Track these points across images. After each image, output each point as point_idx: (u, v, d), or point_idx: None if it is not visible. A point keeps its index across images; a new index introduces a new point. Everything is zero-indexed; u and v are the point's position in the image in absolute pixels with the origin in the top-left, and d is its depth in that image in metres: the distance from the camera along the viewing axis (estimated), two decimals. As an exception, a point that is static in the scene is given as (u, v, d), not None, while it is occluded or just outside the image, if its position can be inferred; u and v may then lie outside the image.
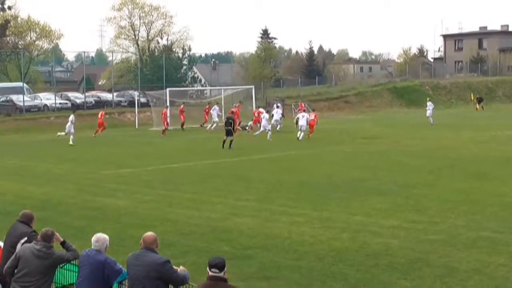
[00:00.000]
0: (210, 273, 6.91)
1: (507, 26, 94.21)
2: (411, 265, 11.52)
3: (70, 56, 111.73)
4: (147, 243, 7.64)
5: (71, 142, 34.14)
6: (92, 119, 48.61)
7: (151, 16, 73.92)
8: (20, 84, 54.83)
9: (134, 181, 21.72)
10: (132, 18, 73.64)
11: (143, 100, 53.71)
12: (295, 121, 37.86)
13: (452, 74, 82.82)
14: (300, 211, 16.15)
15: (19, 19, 68.21)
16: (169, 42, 74.28)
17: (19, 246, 8.52)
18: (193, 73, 70.00)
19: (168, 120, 41.79)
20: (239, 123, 40.15)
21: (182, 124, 43.57)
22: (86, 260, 7.87)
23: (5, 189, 20.65)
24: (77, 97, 57.16)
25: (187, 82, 66.25)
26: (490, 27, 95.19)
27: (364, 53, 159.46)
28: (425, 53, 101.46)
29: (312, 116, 36.75)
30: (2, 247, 9.28)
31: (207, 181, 21.38)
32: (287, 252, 12.52)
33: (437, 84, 72.57)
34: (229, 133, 31.29)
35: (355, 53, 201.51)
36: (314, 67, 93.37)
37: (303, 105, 47.39)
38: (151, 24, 74.02)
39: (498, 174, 21.61)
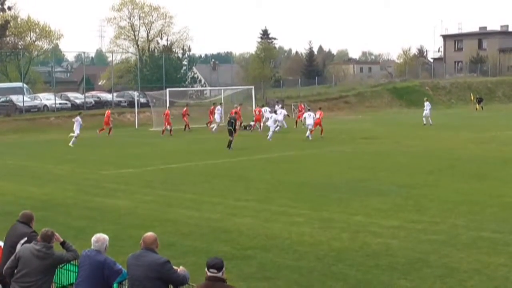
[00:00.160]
0: (209, 274, 6.91)
1: (507, 26, 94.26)
2: (411, 265, 11.52)
3: (70, 56, 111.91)
4: (147, 244, 7.64)
5: (71, 144, 34.09)
6: (92, 120, 48.63)
7: (151, 17, 74.00)
8: (20, 84, 54.83)
9: (134, 182, 21.73)
10: (132, 18, 73.74)
11: (143, 100, 53.73)
12: (302, 120, 37.68)
13: (452, 74, 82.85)
14: (300, 212, 16.16)
15: (19, 19, 68.24)
16: (169, 42, 74.38)
17: (19, 246, 8.52)
18: (193, 73, 70.01)
19: (170, 121, 41.58)
20: (240, 123, 40.17)
21: (185, 127, 43.41)
22: (86, 260, 7.87)
23: (5, 189, 20.65)
24: (77, 97, 57.17)
25: (187, 82, 66.25)
26: (490, 28, 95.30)
27: (364, 54, 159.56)
28: (425, 54, 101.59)
29: (318, 114, 36.81)
30: (2, 247, 9.28)
31: (207, 181, 21.39)
32: (287, 253, 12.52)
33: (437, 85, 72.59)
34: (230, 133, 31.39)
35: (355, 54, 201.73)
36: (314, 68, 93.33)
37: (302, 106, 47.43)
38: (151, 25, 74.10)
39: (498, 175, 21.61)
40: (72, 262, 8.51)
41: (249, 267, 11.61)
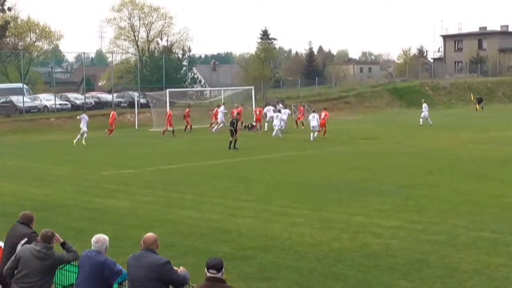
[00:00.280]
0: (208, 274, 6.91)
1: (507, 26, 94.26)
2: (411, 265, 11.53)
3: (70, 57, 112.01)
4: (148, 244, 7.64)
5: (76, 140, 34.07)
6: (92, 120, 48.51)
7: (151, 17, 73.98)
8: (20, 85, 54.83)
9: (134, 182, 21.73)
10: (132, 19, 73.74)
11: (143, 101, 53.74)
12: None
13: (452, 74, 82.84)
14: (300, 212, 16.16)
15: (19, 20, 68.25)
16: (169, 43, 74.37)
17: (19, 247, 8.52)
18: (193, 74, 70.00)
19: (172, 122, 41.49)
20: (241, 123, 40.14)
21: (186, 127, 43.35)
22: (86, 261, 7.87)
23: (5, 190, 20.66)
24: (77, 98, 57.19)
25: (186, 83, 66.24)
26: (490, 28, 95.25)
27: (364, 54, 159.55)
28: (425, 54, 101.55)
29: (323, 115, 36.81)
30: (2, 247, 9.28)
31: (207, 182, 21.39)
32: (287, 253, 12.52)
33: (437, 85, 72.58)
34: (231, 133, 31.45)
35: (355, 54, 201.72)
36: (314, 68, 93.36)
37: (301, 108, 47.35)
38: (151, 25, 74.08)
39: (498, 175, 21.61)
40: (72, 263, 8.51)
41: (249, 267, 11.61)
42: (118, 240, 12.63)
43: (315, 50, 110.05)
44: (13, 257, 8.31)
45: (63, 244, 8.44)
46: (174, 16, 77.04)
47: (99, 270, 7.74)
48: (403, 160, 26.08)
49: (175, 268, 7.60)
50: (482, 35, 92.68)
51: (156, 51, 72.06)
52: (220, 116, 43.68)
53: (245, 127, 42.24)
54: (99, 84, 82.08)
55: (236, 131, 31.59)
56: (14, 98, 51.83)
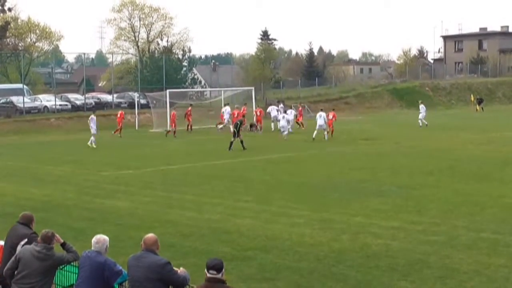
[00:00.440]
0: (208, 275, 6.91)
1: (507, 27, 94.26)
2: (411, 266, 11.53)
3: (70, 57, 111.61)
4: (148, 245, 7.64)
5: (89, 143, 33.93)
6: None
7: (151, 18, 73.99)
8: (20, 85, 54.83)
9: (134, 183, 21.73)
10: (132, 19, 73.75)
11: (143, 101, 53.73)
12: (316, 119, 37.34)
13: (452, 75, 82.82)
14: (300, 212, 16.16)
15: (19, 20, 68.30)
16: (169, 43, 74.35)
17: (19, 247, 8.52)
18: (193, 74, 69.98)
19: (176, 122, 41.44)
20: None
21: (188, 127, 43.33)
22: (86, 261, 7.87)
23: (5, 190, 20.67)
24: (77, 98, 57.17)
25: (187, 83, 66.23)
26: (490, 28, 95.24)
27: (364, 54, 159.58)
28: (425, 54, 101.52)
29: (331, 116, 36.85)
30: (2, 245, 9.28)
31: (207, 182, 21.39)
32: (287, 253, 12.52)
33: (437, 85, 72.57)
34: (234, 134, 31.52)
35: (355, 54, 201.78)
36: (314, 68, 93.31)
37: (300, 108, 47.30)
38: (151, 26, 74.09)
39: (498, 175, 21.61)
40: (72, 263, 8.51)
41: (249, 268, 11.61)
42: (118, 241, 12.63)
43: (315, 51, 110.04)
44: (13, 258, 8.31)
45: (63, 245, 8.44)
46: (174, 17, 77.36)
47: (99, 270, 7.74)
48: (403, 160, 26.09)
49: (175, 268, 7.60)
50: (483, 35, 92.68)
51: (156, 51, 72.07)
52: (226, 116, 43.64)
53: (250, 125, 42.16)
54: (99, 84, 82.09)
55: (239, 132, 31.60)
56: (14, 99, 51.83)
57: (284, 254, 12.51)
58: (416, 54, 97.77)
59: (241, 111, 40.97)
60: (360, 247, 12.82)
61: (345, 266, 11.62)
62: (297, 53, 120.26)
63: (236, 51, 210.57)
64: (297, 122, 44.13)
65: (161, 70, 61.54)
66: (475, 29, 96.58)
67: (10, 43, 67.35)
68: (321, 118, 35.76)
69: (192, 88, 66.60)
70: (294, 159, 27.56)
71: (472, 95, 66.48)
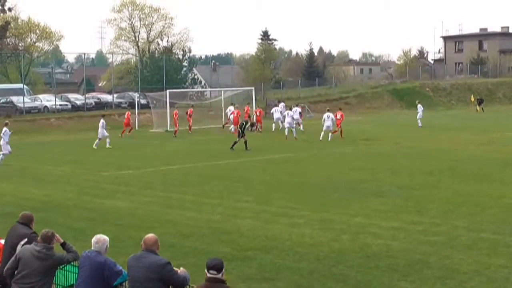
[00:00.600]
0: (208, 275, 6.91)
1: (507, 27, 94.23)
2: (411, 266, 11.52)
3: (70, 57, 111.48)
4: (148, 245, 7.64)
5: (108, 145, 33.69)
6: (92, 121, 48.58)
7: (151, 18, 73.99)
8: (20, 85, 54.83)
9: (134, 183, 21.73)
10: (132, 19, 73.74)
11: (143, 101, 53.72)
12: (322, 120, 37.19)
13: (452, 75, 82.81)
14: (300, 213, 16.16)
15: (19, 20, 68.28)
16: (169, 43, 74.34)
17: (19, 247, 8.52)
18: (193, 74, 69.97)
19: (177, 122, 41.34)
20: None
21: (189, 128, 43.29)
22: (86, 261, 7.87)
23: (5, 190, 20.67)
24: (77, 98, 57.17)
25: (187, 83, 66.23)
26: (490, 29, 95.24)
27: (364, 55, 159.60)
28: (425, 55, 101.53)
29: (339, 116, 36.86)
30: (3, 244, 9.27)
31: (207, 182, 21.38)
32: (287, 254, 12.52)
33: (437, 86, 72.56)
34: (238, 134, 31.60)
35: (355, 55, 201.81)
36: (314, 69, 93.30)
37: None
38: (151, 26, 74.10)
39: (498, 176, 21.61)
40: (72, 263, 8.50)
41: (249, 268, 11.61)
42: (118, 241, 12.63)
43: (316, 51, 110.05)
44: (13, 258, 8.31)
45: (63, 245, 8.44)
46: (174, 17, 77.41)
47: (99, 270, 7.74)
48: (403, 161, 26.08)
49: (175, 268, 7.59)
50: (483, 36, 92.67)
51: (156, 51, 72.07)
52: (231, 116, 43.60)
53: (251, 125, 42.11)
54: (100, 84, 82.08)
55: (244, 133, 31.62)
56: (14, 99, 51.83)
57: (284, 254, 12.51)
58: (416, 55, 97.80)
59: (245, 111, 40.98)
60: (360, 247, 12.82)
61: (345, 267, 11.62)
62: (297, 53, 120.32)
63: (236, 51, 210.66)
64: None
65: (161, 70, 61.53)
66: (476, 30, 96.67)
67: (10, 43, 67.35)
68: (329, 119, 35.75)
69: (192, 88, 66.59)
70: (294, 159, 27.55)
71: (472, 96, 66.46)
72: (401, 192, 18.84)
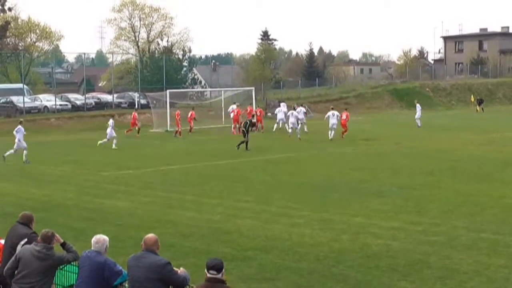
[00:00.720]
0: (208, 275, 6.91)
1: (508, 27, 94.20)
2: (411, 266, 11.52)
3: (70, 57, 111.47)
4: (148, 245, 7.64)
5: (114, 146, 33.59)
6: (92, 121, 48.69)
7: (151, 18, 73.99)
8: (20, 85, 54.82)
9: (134, 183, 21.73)
10: (132, 19, 73.75)
11: (143, 101, 53.73)
12: (326, 118, 37.21)
13: (452, 75, 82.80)
14: (300, 213, 16.16)
15: (19, 20, 68.26)
16: (169, 43, 74.34)
17: (19, 247, 8.51)
18: (193, 74, 69.97)
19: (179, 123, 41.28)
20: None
21: (189, 129, 43.23)
22: (86, 261, 7.87)
23: (6, 190, 20.67)
24: (77, 98, 57.16)
25: (187, 83, 66.22)
26: (491, 29, 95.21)
27: (364, 55, 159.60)
28: (425, 55, 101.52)
29: (344, 116, 36.92)
30: (3, 244, 9.27)
31: (207, 182, 21.38)
32: (287, 254, 12.52)
33: (437, 86, 72.55)
34: (243, 134, 31.60)
35: (355, 55, 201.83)
36: (314, 69, 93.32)
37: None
38: (151, 26, 74.09)
39: (499, 176, 21.61)
40: (72, 263, 8.50)
41: (249, 268, 11.61)
42: (118, 241, 12.64)
43: (316, 51, 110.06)
44: (13, 258, 8.31)
45: (63, 245, 8.43)
46: (174, 17, 77.40)
47: (99, 270, 7.74)
48: (403, 161, 26.08)
49: (176, 269, 7.59)
50: (483, 36, 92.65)
51: (156, 51, 72.06)
52: (231, 115, 43.56)
53: (252, 124, 42.07)
54: (100, 84, 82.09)
55: (248, 132, 31.64)
56: (14, 99, 51.81)
57: (284, 254, 12.51)
58: (417, 55, 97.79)
59: (248, 111, 40.96)
60: (360, 247, 12.82)
61: (345, 267, 11.62)
62: (297, 54, 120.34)
63: (236, 51, 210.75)
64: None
65: (161, 70, 61.52)
66: (476, 30, 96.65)
67: (10, 43, 67.34)
68: (334, 116, 35.84)
69: (192, 88, 66.59)
70: (294, 159, 27.55)
71: (472, 96, 66.46)
72: (401, 192, 18.85)
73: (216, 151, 31.21)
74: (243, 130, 31.97)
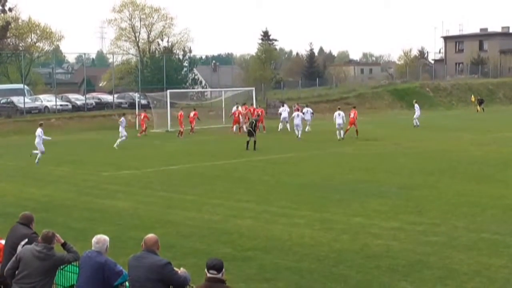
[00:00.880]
0: (208, 275, 6.92)
1: (508, 27, 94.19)
2: (411, 267, 11.53)
3: (71, 57, 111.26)
4: (148, 245, 7.64)
5: (115, 146, 33.50)
6: (92, 121, 48.70)
7: (152, 18, 74.01)
8: (20, 85, 54.85)
9: (135, 183, 21.74)
10: (132, 20, 73.75)
11: (143, 101, 53.69)
12: (333, 118, 37.22)
13: (453, 75, 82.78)
14: (300, 213, 16.16)
15: (20, 20, 68.34)
16: (170, 44, 74.31)
17: (19, 247, 8.52)
18: (193, 74, 69.95)
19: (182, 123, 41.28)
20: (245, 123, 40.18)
21: (192, 129, 43.24)
22: (86, 261, 7.87)
23: (6, 190, 20.67)
24: (77, 98, 57.18)
25: (187, 84, 66.24)
26: (491, 29, 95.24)
27: (364, 55, 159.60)
28: (426, 55, 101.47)
29: (352, 114, 36.99)
30: (3, 244, 9.27)
31: (208, 183, 21.39)
32: (287, 254, 12.53)
33: (437, 86, 72.53)
34: (249, 134, 31.53)
35: (355, 55, 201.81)
36: (315, 69, 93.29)
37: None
38: (152, 26, 74.11)
39: (499, 176, 21.61)
40: (73, 264, 8.51)
41: (249, 268, 11.62)
42: (118, 241, 12.64)
43: (316, 51, 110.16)
44: (13, 258, 8.31)
45: (63, 245, 8.44)
46: (175, 17, 77.44)
47: (100, 270, 7.74)
48: (403, 161, 26.08)
49: (176, 269, 7.60)
50: (483, 36, 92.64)
51: (156, 52, 72.07)
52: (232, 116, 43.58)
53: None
54: (100, 85, 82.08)
55: (255, 131, 31.63)
56: (15, 99, 51.84)
57: (284, 254, 12.51)
58: (417, 55, 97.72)
59: (252, 111, 40.96)
60: (360, 247, 12.82)
61: (345, 267, 11.63)
62: (297, 54, 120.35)
63: (236, 52, 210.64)
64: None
65: (161, 70, 61.52)
66: (476, 30, 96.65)
67: (11, 43, 67.38)
68: (340, 116, 35.95)
69: (193, 88, 66.60)
70: (295, 160, 27.56)
71: (472, 96, 66.43)
72: (401, 192, 18.85)
73: (216, 151, 31.22)
74: (249, 130, 31.95)
